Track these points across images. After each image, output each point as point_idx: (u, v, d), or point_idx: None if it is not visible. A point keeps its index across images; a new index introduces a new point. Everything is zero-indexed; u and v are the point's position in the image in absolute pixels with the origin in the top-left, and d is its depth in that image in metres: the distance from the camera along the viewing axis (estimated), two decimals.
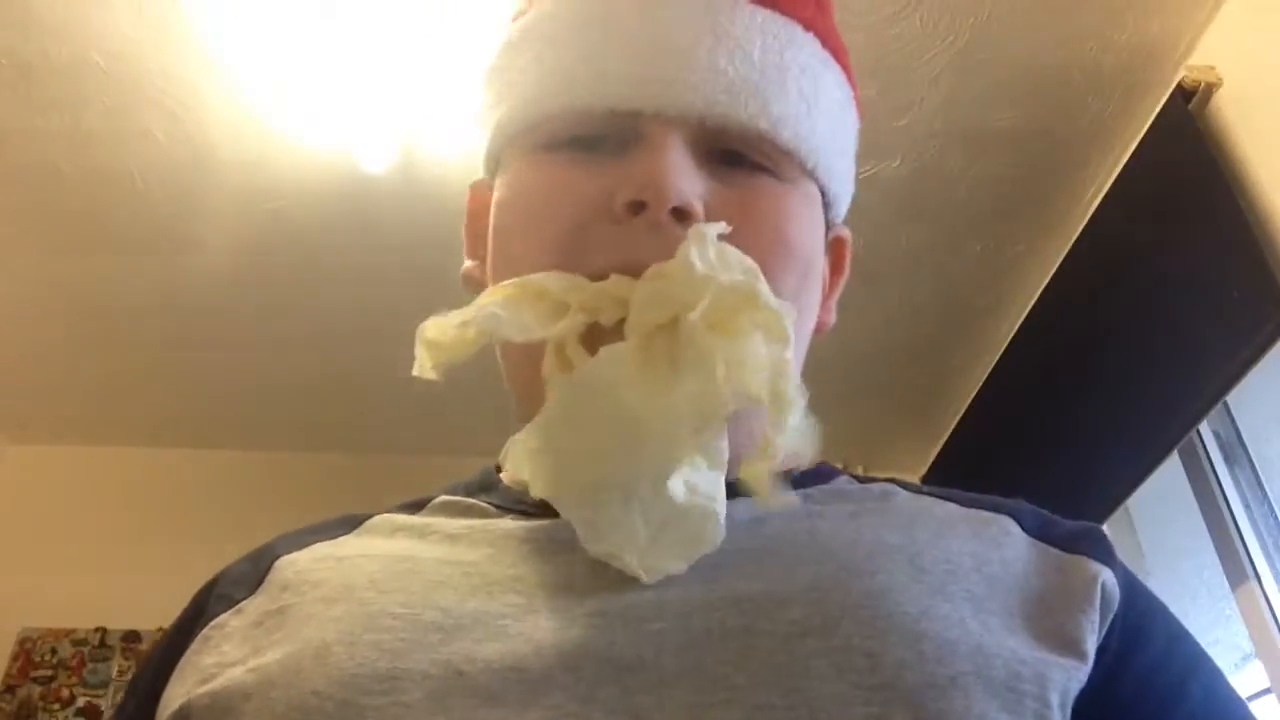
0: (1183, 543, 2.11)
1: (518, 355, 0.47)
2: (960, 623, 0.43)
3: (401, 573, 0.47)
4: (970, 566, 0.46)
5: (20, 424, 2.84)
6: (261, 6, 1.69)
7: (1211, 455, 1.96)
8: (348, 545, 0.52)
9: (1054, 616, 0.45)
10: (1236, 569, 1.85)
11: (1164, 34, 1.79)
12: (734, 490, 0.46)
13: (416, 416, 2.68)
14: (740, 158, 0.51)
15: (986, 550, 0.48)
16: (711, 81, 0.49)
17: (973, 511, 0.52)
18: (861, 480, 0.57)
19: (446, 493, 0.56)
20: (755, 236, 0.48)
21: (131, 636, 2.63)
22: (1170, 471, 2.00)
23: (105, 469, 2.87)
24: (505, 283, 0.47)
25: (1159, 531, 2.29)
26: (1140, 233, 1.99)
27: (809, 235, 0.53)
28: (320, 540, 0.53)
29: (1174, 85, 1.82)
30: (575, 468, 0.45)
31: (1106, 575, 0.48)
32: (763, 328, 0.44)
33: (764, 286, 0.45)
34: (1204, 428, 1.94)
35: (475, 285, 0.59)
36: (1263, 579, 1.80)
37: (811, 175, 0.54)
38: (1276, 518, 1.85)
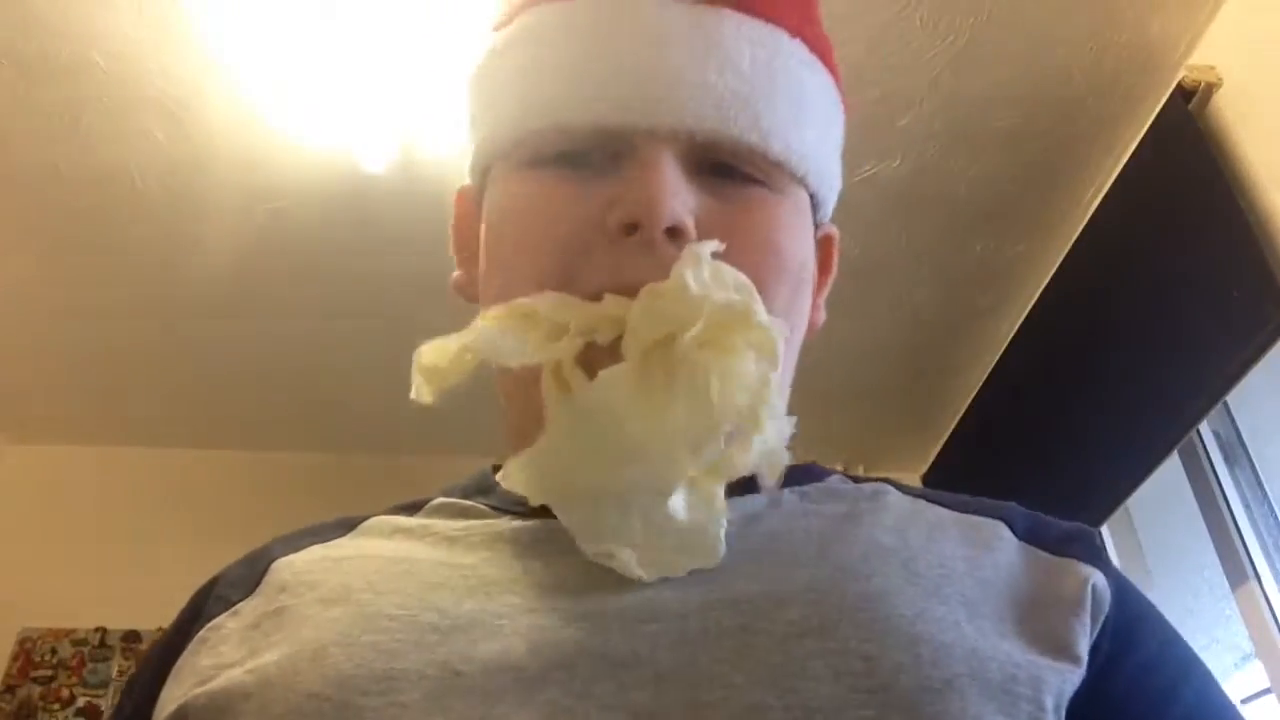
0: (1183, 543, 2.11)
1: (514, 376, 0.47)
2: (955, 625, 0.43)
3: (398, 574, 0.47)
4: (963, 570, 0.47)
5: (20, 424, 2.84)
6: (261, 6, 1.69)
7: (1211, 455, 1.96)
8: (344, 547, 0.52)
9: (1046, 620, 0.45)
10: (1236, 569, 1.85)
11: (1164, 34, 1.79)
12: (731, 490, 0.46)
13: (416, 416, 2.67)
14: (730, 169, 0.50)
15: (979, 554, 0.48)
16: (701, 97, 0.49)
17: (964, 515, 0.52)
18: (854, 480, 0.57)
19: (443, 495, 0.56)
20: (748, 251, 0.48)
21: (131, 636, 2.63)
22: (1170, 471, 2.00)
23: (105, 469, 2.87)
24: (501, 306, 0.47)
25: (1159, 531, 2.29)
26: (1140, 233, 1.99)
27: (800, 246, 0.53)
28: (317, 542, 0.53)
29: (1174, 85, 1.82)
30: (575, 477, 0.46)
31: (1097, 578, 0.48)
32: (755, 346, 0.45)
33: (758, 305, 0.45)
34: (1204, 428, 1.94)
35: (465, 294, 0.59)
36: (1263, 579, 1.80)
37: (801, 182, 0.54)
38: (1276, 518, 1.85)
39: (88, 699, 2.57)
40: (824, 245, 0.59)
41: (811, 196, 0.55)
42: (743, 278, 0.45)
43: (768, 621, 0.42)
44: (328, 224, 2.15)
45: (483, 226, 0.55)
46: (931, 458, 3.02)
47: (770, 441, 0.45)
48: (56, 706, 2.55)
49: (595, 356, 0.45)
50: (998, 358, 2.59)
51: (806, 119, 0.53)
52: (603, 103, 0.49)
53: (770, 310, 0.45)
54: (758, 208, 0.51)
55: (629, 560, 0.45)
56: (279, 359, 2.60)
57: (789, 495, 0.52)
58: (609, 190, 0.49)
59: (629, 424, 0.43)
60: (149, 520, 2.76)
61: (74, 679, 2.58)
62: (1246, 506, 1.88)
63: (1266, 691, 1.79)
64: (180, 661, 0.48)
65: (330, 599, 0.46)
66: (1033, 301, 2.41)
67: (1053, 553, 0.50)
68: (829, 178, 0.57)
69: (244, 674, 0.43)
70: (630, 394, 0.43)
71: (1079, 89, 1.89)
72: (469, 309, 0.53)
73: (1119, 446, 2.06)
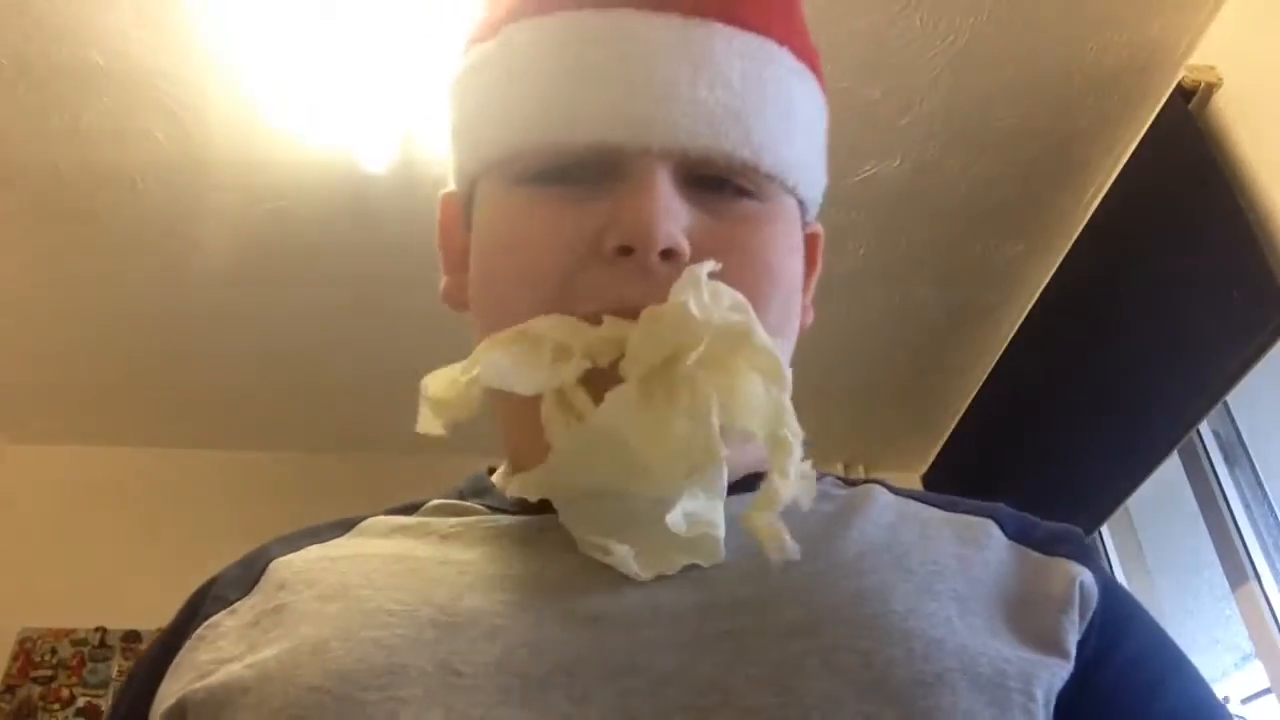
0: (1183, 543, 2.11)
1: (516, 400, 0.47)
2: (946, 621, 0.44)
3: (398, 571, 0.47)
4: (954, 569, 0.47)
5: (20, 424, 2.84)
6: (261, 6, 1.69)
7: (1211, 455, 1.96)
8: (342, 546, 0.52)
9: (1035, 618, 0.46)
10: (1236, 569, 1.85)
11: (1164, 34, 1.80)
12: (728, 489, 0.47)
13: (416, 416, 2.68)
14: (722, 183, 0.51)
15: (969, 553, 0.49)
16: (693, 114, 0.49)
17: (955, 515, 0.53)
18: (846, 482, 0.58)
19: (439, 497, 0.56)
20: (743, 269, 0.48)
21: (131, 636, 2.63)
22: (1170, 471, 2.00)
23: (105, 469, 2.87)
24: (504, 333, 0.47)
25: (1159, 531, 2.29)
26: (1140, 233, 1.99)
27: (792, 261, 0.54)
28: (314, 542, 0.53)
29: (1174, 85, 1.82)
30: (578, 486, 0.46)
31: (1085, 576, 0.48)
32: (760, 370, 0.45)
33: (757, 325, 0.45)
34: (1204, 428, 1.95)
35: (454, 303, 0.59)
36: (1263, 579, 1.80)
37: (791, 191, 0.54)
38: (1276, 518, 1.85)
39: (88, 699, 2.57)
40: (810, 243, 0.60)
41: (800, 202, 0.56)
42: (740, 297, 0.46)
43: (763, 622, 0.43)
44: (328, 224, 2.15)
45: (472, 239, 0.55)
46: (931, 458, 3.02)
47: (802, 464, 0.45)
48: (56, 706, 2.55)
49: (598, 379, 0.45)
50: (998, 358, 2.59)
51: (796, 129, 0.53)
52: (596, 121, 0.49)
53: (765, 326, 0.46)
54: (751, 225, 0.51)
55: (626, 556, 0.45)
56: (279, 359, 2.60)
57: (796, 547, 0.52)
58: (603, 210, 0.49)
59: (633, 446, 0.43)
60: (149, 520, 2.76)
61: (74, 679, 2.58)
62: (1246, 506, 1.88)
63: (1266, 691, 1.79)
64: (178, 658, 0.48)
65: (329, 596, 0.46)
66: (1033, 301, 2.41)
67: (1042, 552, 0.50)
68: (816, 182, 0.57)
69: (243, 669, 0.43)
70: (633, 416, 0.44)
71: (1079, 89, 1.89)
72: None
73: (1119, 446, 2.06)
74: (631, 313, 0.46)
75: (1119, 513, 2.19)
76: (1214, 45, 1.79)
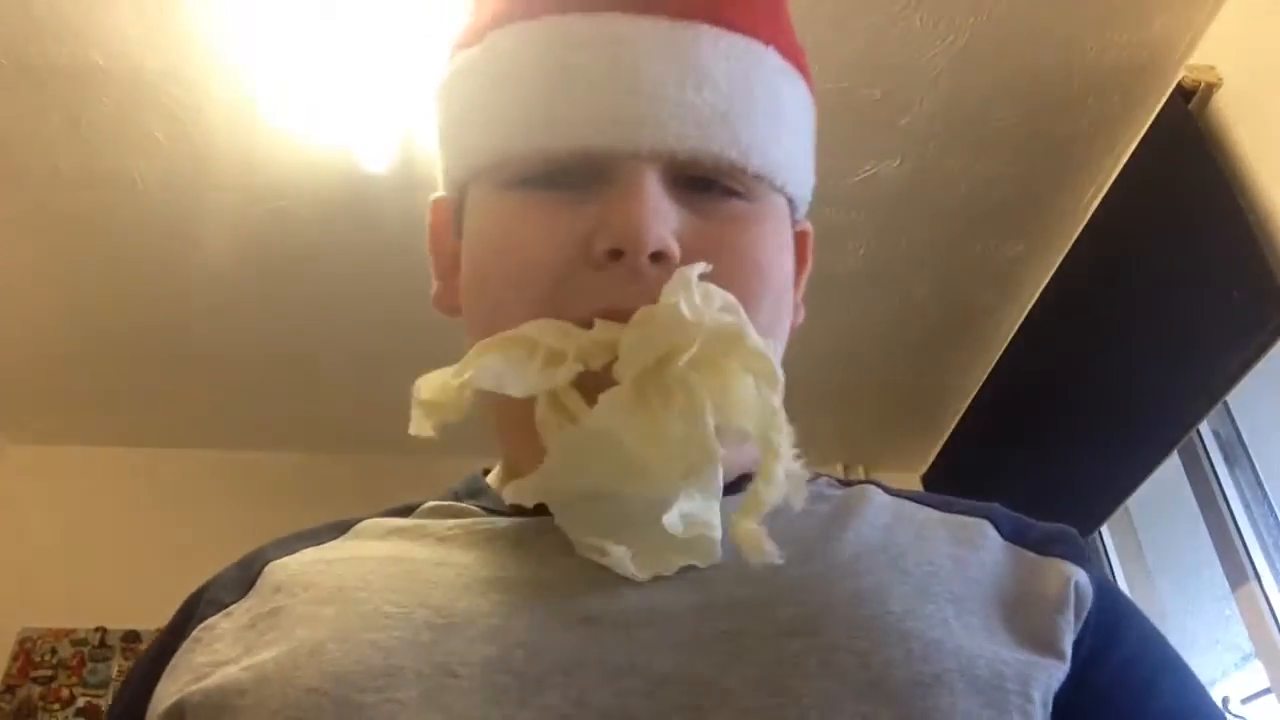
0: (1183, 543, 2.11)
1: (510, 403, 0.47)
2: (944, 622, 0.44)
3: (394, 574, 0.47)
4: (950, 569, 0.48)
5: (20, 424, 2.84)
6: (262, 6, 1.69)
7: (1211, 455, 1.96)
8: (338, 549, 0.52)
9: (1031, 619, 0.46)
10: (1236, 569, 1.85)
11: (1164, 34, 1.80)
12: (724, 490, 0.47)
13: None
14: (711, 184, 0.51)
15: (965, 553, 0.49)
16: (682, 116, 0.49)
17: (950, 516, 0.53)
18: (841, 483, 0.58)
19: (435, 499, 0.56)
20: (733, 270, 0.49)
21: (131, 636, 2.63)
22: (1170, 471, 2.00)
23: (105, 469, 2.87)
24: (496, 336, 0.47)
25: (1159, 531, 2.29)
26: (1140, 233, 1.99)
27: (781, 258, 0.54)
28: (310, 545, 0.53)
29: (1174, 85, 1.82)
30: (574, 489, 0.46)
31: (1080, 576, 0.49)
32: (752, 371, 0.45)
33: (749, 327, 0.46)
34: (1204, 428, 1.95)
35: (445, 308, 0.59)
36: (1263, 579, 1.80)
37: (780, 190, 0.54)
38: (1276, 518, 1.85)
39: (88, 699, 2.57)
40: (800, 242, 0.60)
41: (789, 200, 0.56)
42: (730, 298, 0.46)
43: (760, 623, 0.43)
44: (328, 224, 2.15)
45: (463, 244, 0.55)
46: (931, 458, 3.02)
47: (790, 465, 0.45)
48: (56, 706, 2.55)
49: (591, 382, 0.45)
50: (998, 358, 2.59)
51: (783, 129, 0.53)
52: (584, 125, 0.49)
53: (756, 326, 0.46)
54: (740, 226, 0.51)
55: (622, 557, 0.45)
56: (279, 359, 2.60)
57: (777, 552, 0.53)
58: (593, 214, 0.49)
59: (628, 446, 0.44)
60: (149, 520, 2.76)
61: (74, 679, 2.58)
62: (1246, 506, 1.88)
63: (1266, 691, 1.79)
64: (174, 660, 0.48)
65: (325, 598, 0.46)
66: (1033, 301, 2.41)
67: (1037, 552, 0.51)
68: (805, 181, 0.57)
69: (240, 671, 0.43)
70: (628, 417, 0.44)
71: (1079, 89, 1.89)
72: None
73: (1119, 446, 2.06)
74: (623, 315, 0.46)
75: (1119, 513, 2.19)
76: (1214, 45, 1.79)
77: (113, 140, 1.94)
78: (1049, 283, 2.34)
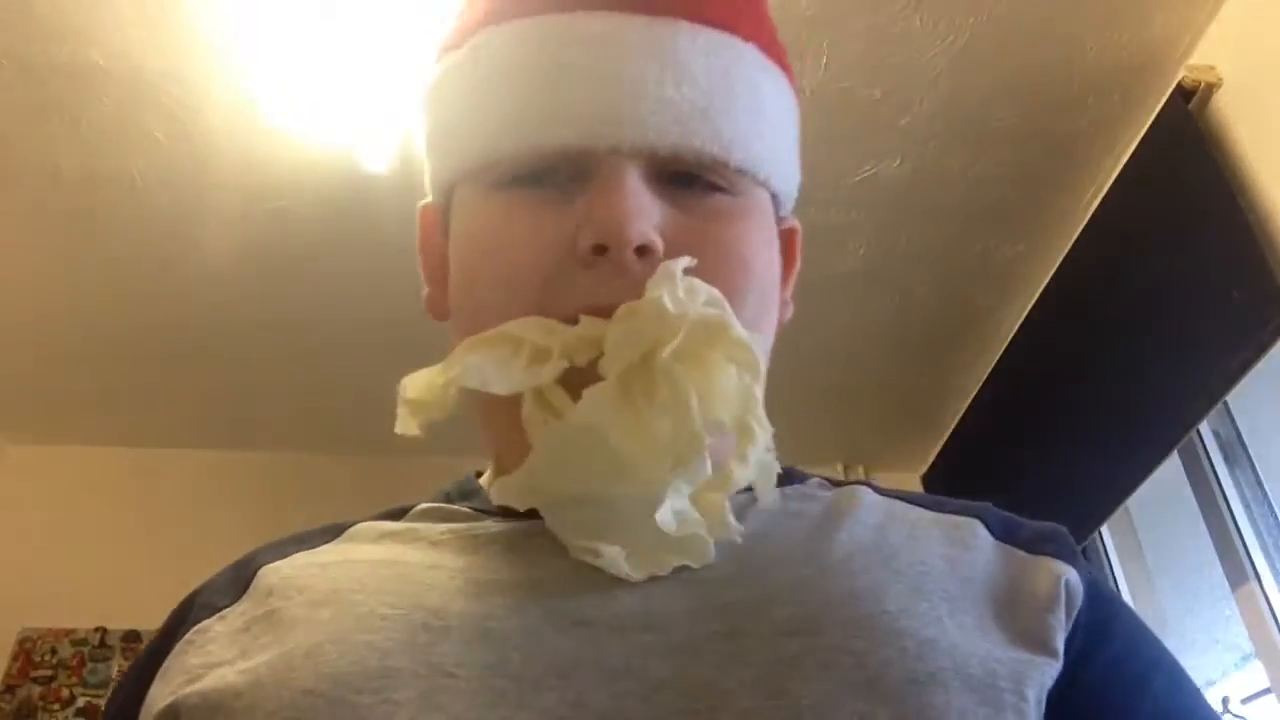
0: (1183, 543, 2.11)
1: (495, 402, 0.47)
2: (937, 621, 0.44)
3: (388, 576, 0.47)
4: (943, 569, 0.48)
5: (20, 424, 2.84)
6: (262, 7, 1.69)
7: (1211, 455, 1.96)
8: (331, 552, 0.52)
9: (1023, 618, 0.46)
10: (1236, 569, 1.85)
11: (1164, 34, 1.80)
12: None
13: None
14: (693, 179, 0.51)
15: (957, 553, 0.50)
16: (661, 113, 0.49)
17: (942, 516, 0.53)
18: (833, 483, 0.58)
19: (427, 501, 0.56)
20: (717, 264, 0.49)
21: (131, 636, 2.63)
22: (1170, 471, 2.00)
23: (105, 469, 2.87)
24: (482, 335, 0.48)
25: (1159, 531, 2.29)
26: (1140, 233, 1.99)
27: (766, 252, 0.54)
28: (303, 549, 0.53)
29: (1174, 85, 1.82)
30: (563, 489, 0.46)
31: (1070, 575, 0.49)
32: (735, 361, 0.45)
33: (734, 319, 0.46)
34: (1204, 428, 1.94)
35: (436, 312, 0.60)
36: (1263, 579, 1.80)
37: (764, 185, 0.54)
38: (1276, 518, 1.85)
39: (88, 699, 2.57)
40: (787, 239, 0.60)
41: (773, 195, 0.56)
42: (715, 292, 0.46)
43: (756, 624, 0.43)
44: (328, 224, 2.15)
45: (450, 246, 0.56)
46: (931, 457, 3.02)
47: (763, 452, 0.46)
48: (56, 706, 2.55)
49: (576, 378, 0.46)
50: (998, 358, 2.59)
51: (765, 124, 0.54)
52: (565, 124, 0.49)
53: (741, 320, 0.46)
54: (724, 220, 0.51)
55: (616, 558, 0.45)
56: (279, 359, 2.60)
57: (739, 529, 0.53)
58: (577, 211, 0.49)
59: (614, 442, 0.44)
60: (149, 520, 2.76)
61: (74, 679, 2.58)
62: (1246, 506, 1.88)
63: (1266, 691, 1.79)
64: (167, 663, 0.48)
65: (321, 601, 0.46)
66: (1033, 301, 2.41)
67: (1028, 551, 0.51)
68: (789, 176, 0.58)
69: (235, 674, 0.43)
70: (613, 412, 0.44)
71: (1079, 88, 1.89)
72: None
73: (1119, 446, 2.06)
74: (608, 311, 0.46)
75: (1119, 513, 2.19)
76: (1214, 45, 1.79)
77: (113, 140, 1.94)
78: (1049, 283, 2.34)
